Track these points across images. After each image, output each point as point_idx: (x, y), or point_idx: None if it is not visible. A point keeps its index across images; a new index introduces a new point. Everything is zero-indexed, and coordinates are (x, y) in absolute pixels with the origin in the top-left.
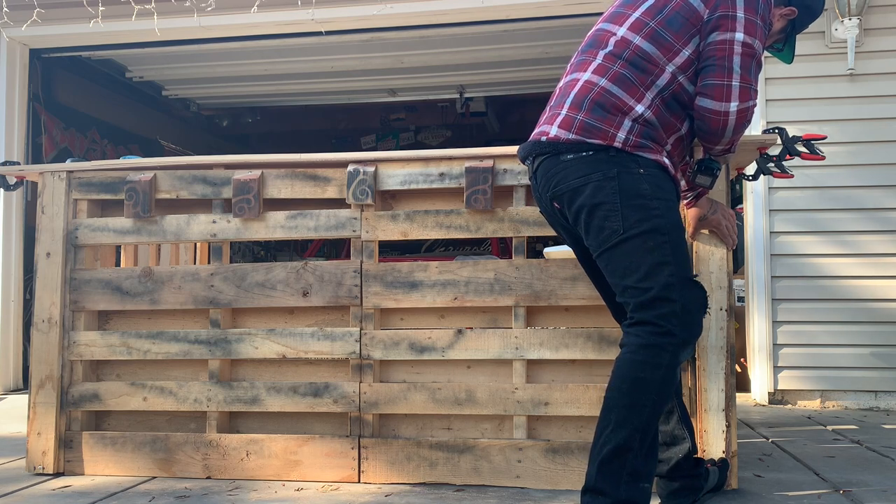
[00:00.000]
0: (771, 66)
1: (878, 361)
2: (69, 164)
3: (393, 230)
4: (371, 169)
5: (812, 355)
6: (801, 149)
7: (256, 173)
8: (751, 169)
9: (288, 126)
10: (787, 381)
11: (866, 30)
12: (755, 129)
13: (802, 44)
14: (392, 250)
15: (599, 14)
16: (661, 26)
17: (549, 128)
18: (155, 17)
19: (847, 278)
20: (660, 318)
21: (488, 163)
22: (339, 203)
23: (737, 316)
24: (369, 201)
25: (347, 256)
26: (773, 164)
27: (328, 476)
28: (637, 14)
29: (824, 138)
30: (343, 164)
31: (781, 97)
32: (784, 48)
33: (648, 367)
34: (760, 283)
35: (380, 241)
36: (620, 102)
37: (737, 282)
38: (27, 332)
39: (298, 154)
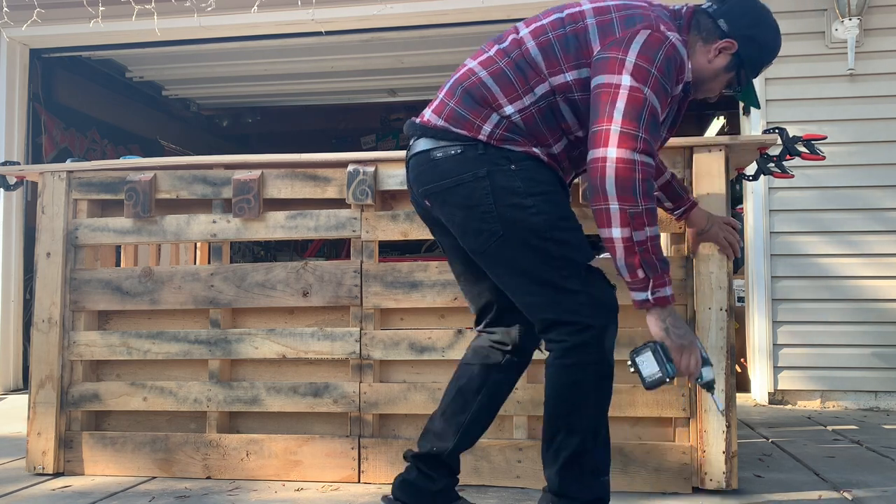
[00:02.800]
0: (771, 66)
1: (879, 361)
2: (69, 164)
3: (393, 230)
4: (371, 169)
5: (812, 355)
6: (802, 149)
7: (256, 173)
8: (751, 169)
9: (288, 126)
10: (787, 382)
11: (866, 30)
12: (756, 128)
13: (803, 44)
14: (392, 250)
15: None
16: (556, 40)
17: (427, 111)
18: (155, 17)
19: (847, 278)
20: (570, 315)
21: None
22: (339, 203)
23: (737, 316)
24: (369, 201)
25: (347, 256)
26: (773, 164)
27: (328, 476)
28: (545, 21)
29: (824, 138)
30: (343, 164)
31: (781, 97)
32: (742, 89)
33: (578, 368)
34: (760, 283)
35: (380, 241)
36: (492, 97)
37: (737, 282)
38: (27, 332)
39: (298, 154)
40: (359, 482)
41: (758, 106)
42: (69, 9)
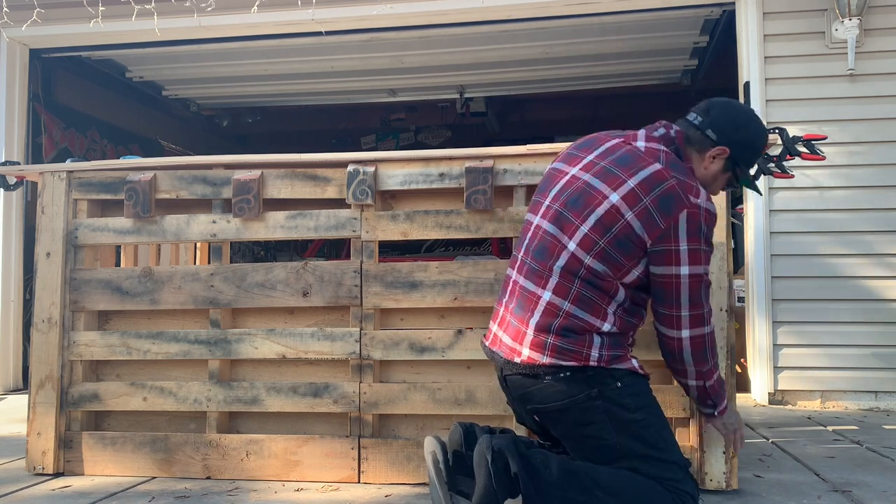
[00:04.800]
0: (771, 67)
1: (879, 361)
2: (69, 164)
3: (393, 230)
4: (371, 169)
5: (812, 355)
6: (802, 149)
7: (256, 173)
8: (751, 169)
9: (288, 126)
10: (787, 382)
11: (866, 30)
12: None
13: (803, 44)
14: (392, 250)
15: (598, 14)
16: (610, 246)
17: (517, 346)
18: (155, 17)
19: (847, 278)
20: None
21: (488, 163)
22: (339, 203)
23: (737, 316)
24: (369, 201)
25: (347, 256)
26: (773, 165)
27: (328, 476)
28: (585, 229)
29: (825, 138)
30: (343, 164)
31: (782, 97)
32: (740, 184)
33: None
34: (760, 283)
35: (380, 242)
36: (587, 325)
37: (737, 282)
38: (27, 332)
39: (298, 154)
40: (359, 482)
41: (759, 192)
42: (69, 9)
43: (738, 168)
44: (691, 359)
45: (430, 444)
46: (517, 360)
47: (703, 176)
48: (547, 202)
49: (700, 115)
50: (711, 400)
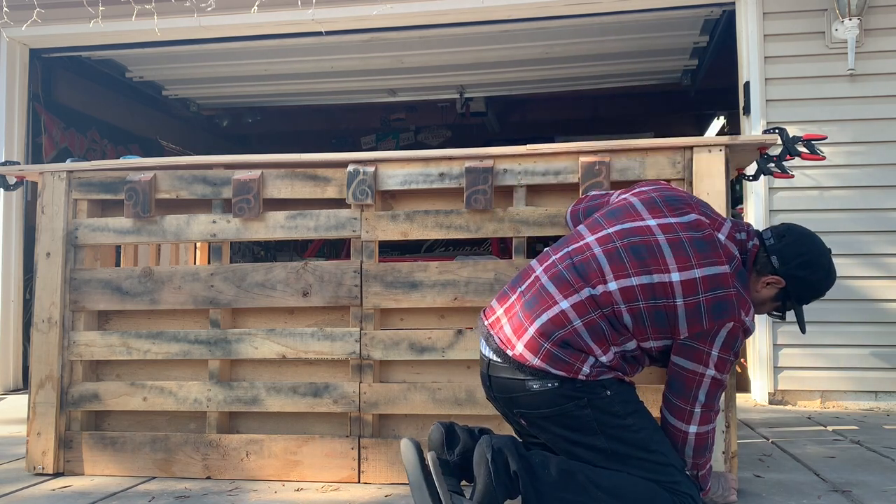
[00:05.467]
0: (771, 67)
1: (879, 361)
2: (69, 164)
3: (393, 230)
4: (371, 169)
5: (812, 356)
6: (802, 149)
7: (256, 173)
8: (751, 169)
9: (288, 126)
10: (787, 382)
11: (866, 30)
12: (756, 129)
13: (803, 44)
14: (392, 250)
15: (599, 14)
16: (647, 311)
17: (514, 338)
18: (155, 17)
19: (848, 278)
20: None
21: (488, 163)
22: (339, 203)
23: None
24: (369, 201)
25: (347, 256)
26: (773, 165)
27: (328, 476)
28: (635, 282)
29: (825, 138)
30: (343, 164)
31: (782, 97)
32: (785, 315)
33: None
34: None
35: (380, 242)
36: (587, 348)
37: None
38: (27, 332)
39: (298, 154)
40: (359, 482)
41: (803, 331)
42: (69, 9)
43: (788, 301)
44: (692, 452)
45: (408, 448)
46: (509, 352)
47: (754, 297)
48: (610, 231)
49: (774, 238)
50: (699, 484)
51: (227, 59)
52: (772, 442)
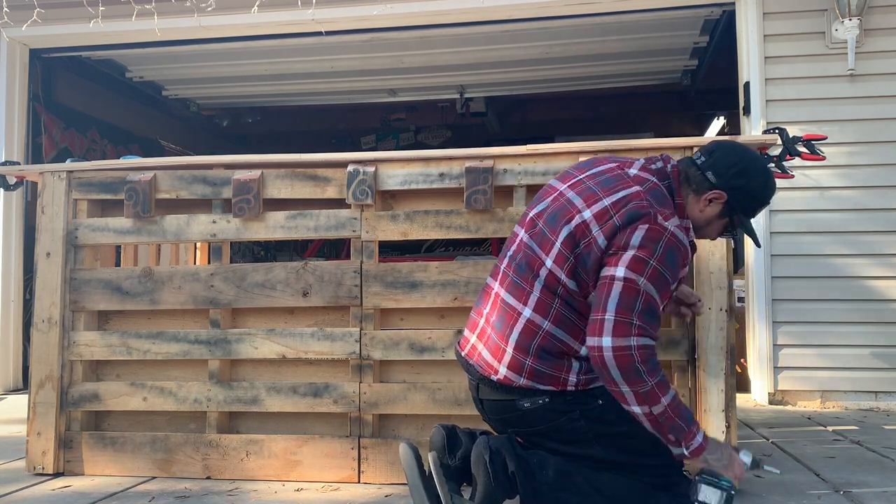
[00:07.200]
0: (771, 67)
1: (878, 361)
2: (69, 164)
3: (393, 230)
4: (371, 169)
5: (812, 355)
6: (802, 149)
7: (256, 173)
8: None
9: (288, 126)
10: (787, 382)
11: (866, 30)
12: (756, 129)
13: (803, 44)
14: (392, 250)
15: (599, 14)
16: (577, 261)
17: (495, 363)
18: (155, 17)
19: (848, 278)
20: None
21: (488, 163)
22: (339, 203)
23: (737, 316)
24: (369, 201)
25: (347, 256)
26: (773, 165)
27: (328, 476)
28: (558, 244)
29: (825, 139)
30: (343, 164)
31: (782, 97)
32: (735, 233)
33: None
34: (760, 283)
35: (380, 242)
36: (566, 347)
37: (737, 282)
38: (27, 332)
39: (298, 154)
40: (359, 482)
41: (758, 243)
42: (69, 9)
43: (735, 215)
44: (620, 376)
45: (406, 453)
46: (493, 377)
47: (698, 218)
48: (532, 214)
49: (704, 155)
50: (672, 434)
51: (227, 59)
52: (772, 442)
